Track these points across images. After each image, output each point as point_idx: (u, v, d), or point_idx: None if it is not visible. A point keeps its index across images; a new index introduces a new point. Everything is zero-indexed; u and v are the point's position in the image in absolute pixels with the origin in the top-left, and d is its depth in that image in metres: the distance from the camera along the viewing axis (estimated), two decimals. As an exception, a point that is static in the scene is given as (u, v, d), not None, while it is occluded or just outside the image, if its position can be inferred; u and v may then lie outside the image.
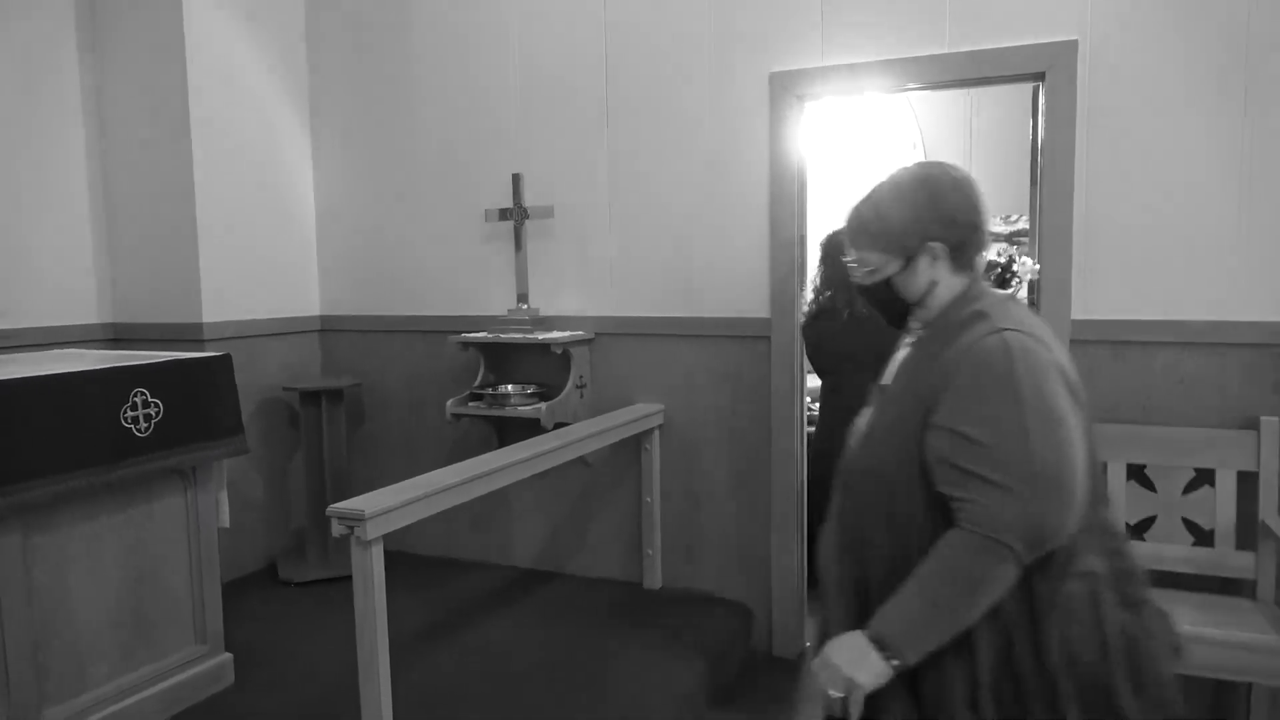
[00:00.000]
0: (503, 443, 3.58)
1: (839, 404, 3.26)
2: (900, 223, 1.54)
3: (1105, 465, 2.72)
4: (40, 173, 3.54)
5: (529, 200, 3.59)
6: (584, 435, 3.02)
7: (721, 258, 3.33)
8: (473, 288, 3.80)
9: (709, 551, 3.46)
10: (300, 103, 4.01)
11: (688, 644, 3.03)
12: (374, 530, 2.12)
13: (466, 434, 3.81)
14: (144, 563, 2.59)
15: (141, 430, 2.50)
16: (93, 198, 3.73)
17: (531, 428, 3.35)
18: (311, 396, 3.73)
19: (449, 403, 3.51)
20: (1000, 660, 1.40)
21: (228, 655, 2.80)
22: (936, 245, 1.54)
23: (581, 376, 3.49)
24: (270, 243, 3.89)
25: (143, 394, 2.51)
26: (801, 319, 3.29)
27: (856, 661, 1.39)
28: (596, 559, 3.67)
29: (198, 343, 3.54)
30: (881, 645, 1.39)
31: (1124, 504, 2.79)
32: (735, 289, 3.32)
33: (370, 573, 2.14)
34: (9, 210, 3.44)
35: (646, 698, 2.68)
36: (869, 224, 1.58)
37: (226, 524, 2.82)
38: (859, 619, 1.48)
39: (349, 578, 3.70)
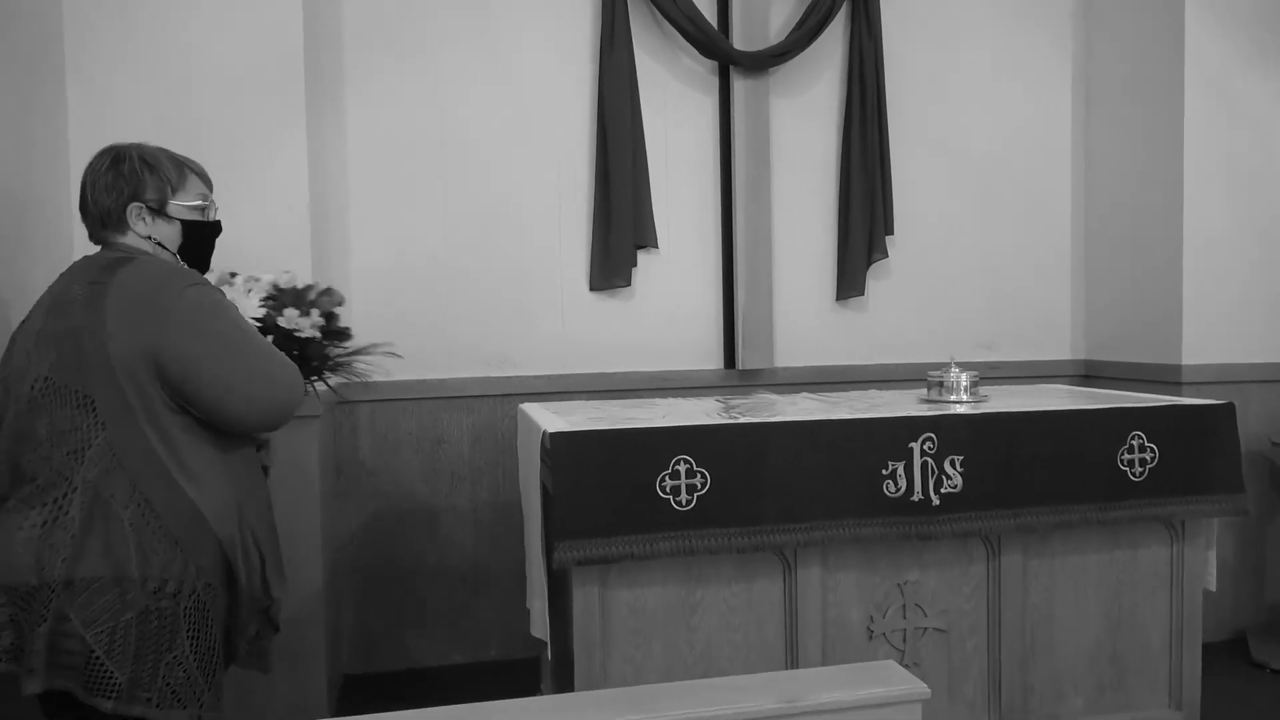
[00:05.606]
0: None
1: None
2: None
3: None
4: (1029, 211, 3.85)
5: None
6: None
7: None
8: None
9: None
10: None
11: None
12: None
13: None
14: (1123, 608, 2.54)
15: (1136, 474, 2.45)
16: (1075, 234, 3.88)
17: None
18: (1310, 456, 3.18)
19: None
20: None
21: (1203, 731, 2.56)
22: None
23: None
24: (1262, 275, 3.45)
25: (1139, 437, 2.46)
26: None
27: None
28: None
29: (1173, 385, 3.36)
30: None
31: None
32: None
33: None
34: (1004, 253, 3.81)
35: None
36: None
37: (1212, 587, 2.58)
38: None
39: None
